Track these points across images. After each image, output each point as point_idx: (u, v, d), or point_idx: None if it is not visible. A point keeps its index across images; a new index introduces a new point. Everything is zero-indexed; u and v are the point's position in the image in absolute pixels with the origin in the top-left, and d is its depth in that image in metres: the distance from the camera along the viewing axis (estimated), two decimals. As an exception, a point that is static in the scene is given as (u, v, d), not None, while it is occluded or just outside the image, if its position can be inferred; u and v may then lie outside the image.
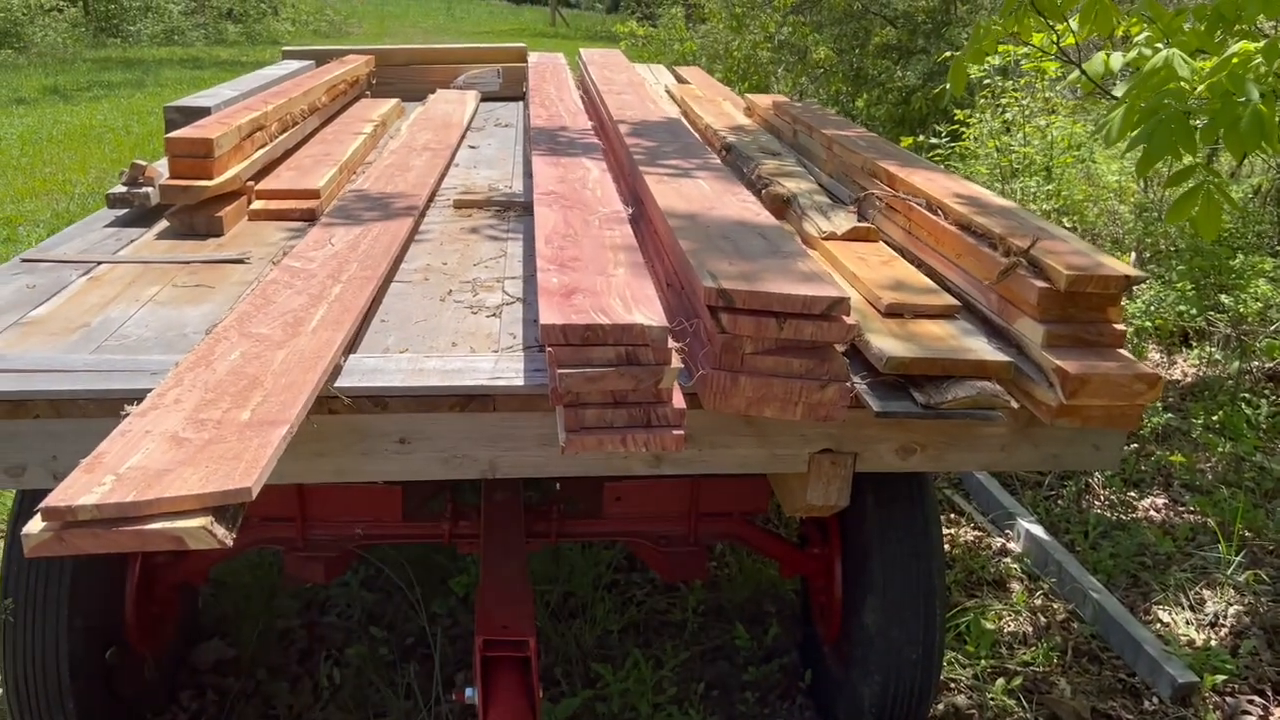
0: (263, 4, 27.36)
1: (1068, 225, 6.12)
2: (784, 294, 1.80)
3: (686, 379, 1.91)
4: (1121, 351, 1.93)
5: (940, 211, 2.47)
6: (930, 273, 2.41)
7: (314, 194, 3.22)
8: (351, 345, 2.15)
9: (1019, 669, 3.08)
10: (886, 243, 2.64)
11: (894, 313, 2.14)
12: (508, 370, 2.02)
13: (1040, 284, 1.95)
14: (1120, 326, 1.96)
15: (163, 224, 3.01)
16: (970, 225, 2.32)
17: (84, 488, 1.38)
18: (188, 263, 2.70)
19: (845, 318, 1.83)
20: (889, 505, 2.52)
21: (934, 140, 6.63)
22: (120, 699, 2.61)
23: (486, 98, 5.80)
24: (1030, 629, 3.29)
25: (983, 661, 3.09)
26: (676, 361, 1.74)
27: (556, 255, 2.06)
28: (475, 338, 2.23)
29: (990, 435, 2.10)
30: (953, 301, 2.18)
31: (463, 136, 4.54)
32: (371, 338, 2.23)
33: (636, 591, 3.34)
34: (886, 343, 1.99)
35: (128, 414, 1.65)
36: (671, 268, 2.24)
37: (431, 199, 3.45)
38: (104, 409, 1.84)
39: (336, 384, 1.93)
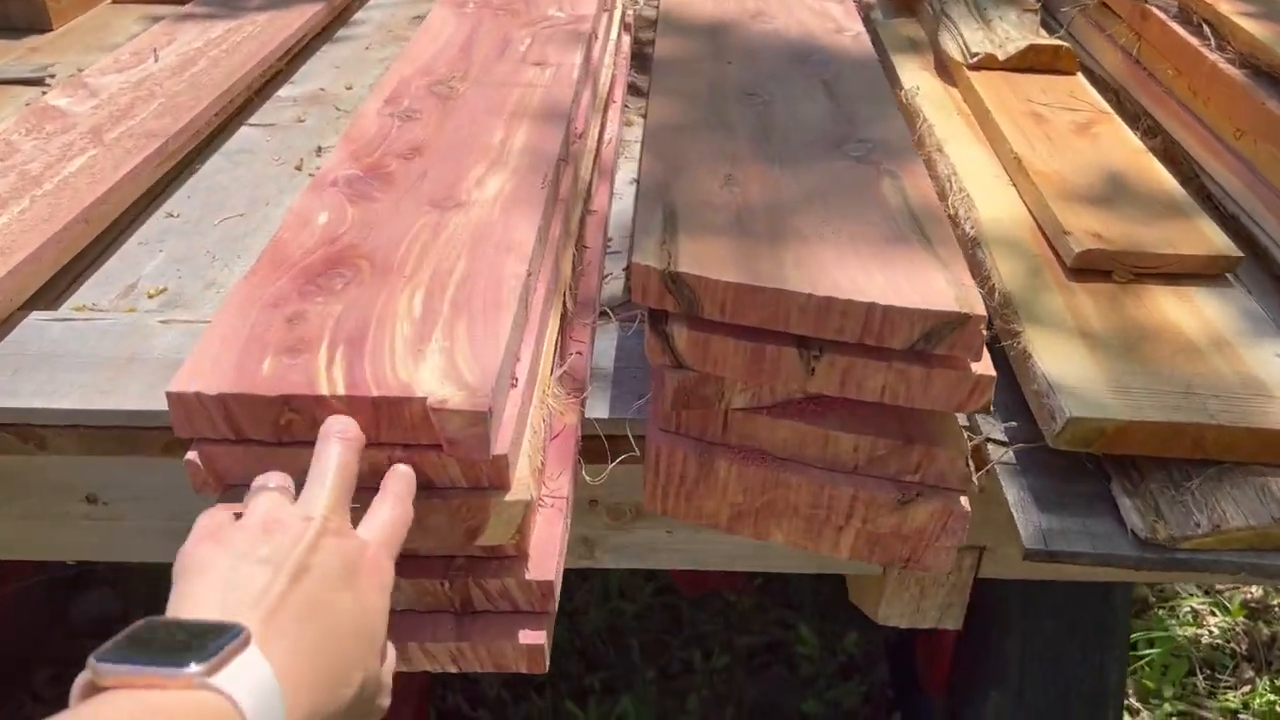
0: None
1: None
2: (817, 296, 0.73)
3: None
4: None
5: (1208, 28, 1.27)
6: (1178, 159, 1.25)
7: (215, -40, 2.18)
8: (71, 281, 1.20)
9: None
10: (1093, 81, 1.46)
11: (1094, 265, 1.03)
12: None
13: None
14: None
15: (-24, 11, 2.05)
16: (1273, 67, 1.13)
17: None
18: (-50, 83, 1.75)
19: (967, 354, 0.75)
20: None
21: None
22: None
23: None
24: (1244, 645, 2.23)
25: (1167, 704, 2.08)
26: (523, 491, 0.70)
27: (379, 137, 1.00)
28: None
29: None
30: (1225, 248, 1.04)
31: None
32: (128, 255, 1.27)
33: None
34: (1064, 364, 0.90)
35: None
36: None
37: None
38: None
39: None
